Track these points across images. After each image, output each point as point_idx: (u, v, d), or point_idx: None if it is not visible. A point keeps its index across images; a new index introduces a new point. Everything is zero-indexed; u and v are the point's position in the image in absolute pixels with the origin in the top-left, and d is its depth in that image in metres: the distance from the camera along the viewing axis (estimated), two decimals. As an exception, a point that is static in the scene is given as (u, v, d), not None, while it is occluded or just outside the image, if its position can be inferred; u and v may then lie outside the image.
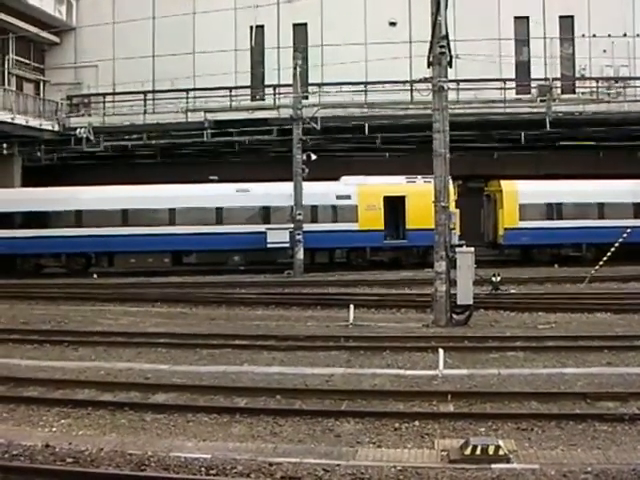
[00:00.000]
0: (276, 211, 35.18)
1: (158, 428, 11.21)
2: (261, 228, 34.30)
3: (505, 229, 35.63)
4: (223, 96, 40.08)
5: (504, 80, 39.70)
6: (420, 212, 33.91)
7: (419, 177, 35.06)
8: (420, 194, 34.20)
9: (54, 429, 11.16)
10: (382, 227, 35.32)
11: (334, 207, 35.09)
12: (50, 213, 34.91)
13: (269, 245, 34.31)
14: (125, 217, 34.74)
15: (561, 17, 41.93)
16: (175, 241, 34.31)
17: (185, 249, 35.48)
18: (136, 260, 35.26)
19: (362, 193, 35.40)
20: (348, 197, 35.31)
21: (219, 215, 34.93)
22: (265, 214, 35.24)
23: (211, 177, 36.69)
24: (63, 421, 11.56)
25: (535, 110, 37.68)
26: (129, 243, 34.07)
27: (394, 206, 35.29)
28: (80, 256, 35.48)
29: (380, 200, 35.26)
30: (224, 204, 34.92)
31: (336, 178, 35.74)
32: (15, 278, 32.41)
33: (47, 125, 39.92)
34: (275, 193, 34.92)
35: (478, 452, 9.23)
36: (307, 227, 33.63)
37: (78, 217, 34.85)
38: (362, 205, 35.35)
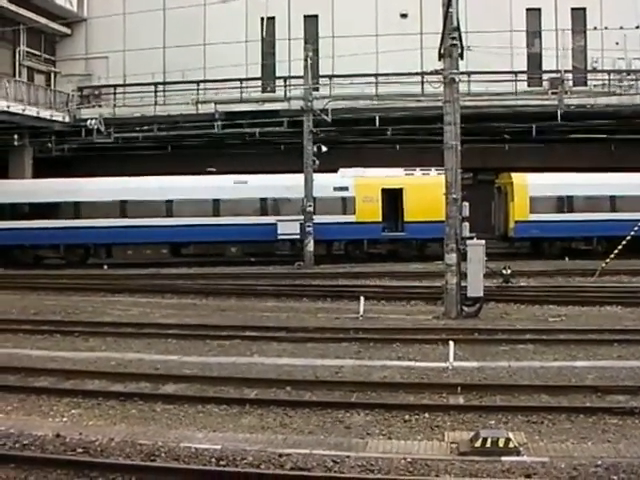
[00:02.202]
0: (276, 203, 35.21)
1: (168, 418, 11.24)
2: (260, 220, 34.32)
3: (516, 222, 35.52)
4: (234, 88, 40.10)
5: (515, 72, 39.58)
6: (418, 204, 34.06)
7: (417, 169, 35.10)
8: (418, 186, 34.34)
9: (65, 419, 11.19)
10: (380, 219, 35.26)
11: (331, 199, 34.86)
12: (48, 204, 34.96)
13: (279, 237, 34.41)
14: (123, 209, 34.85)
15: (573, 9, 41.74)
16: (173, 233, 34.38)
17: (183, 241, 35.52)
18: (134, 252, 35.28)
19: (360, 185, 35.33)
20: (346, 189, 35.25)
21: (216, 207, 34.98)
22: (263, 206, 35.19)
23: (209, 169, 36.75)
24: (73, 411, 11.60)
25: (546, 102, 37.56)
26: (127, 234, 34.17)
27: (392, 198, 35.25)
28: (78, 247, 35.59)
29: (378, 192, 35.18)
30: (222, 196, 34.95)
31: (347, 170, 35.77)
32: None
33: (58, 116, 40.02)
34: (275, 185, 34.91)
35: (488, 444, 9.20)
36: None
37: (76, 208, 35.02)
38: (359, 197, 35.26)
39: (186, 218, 34.38)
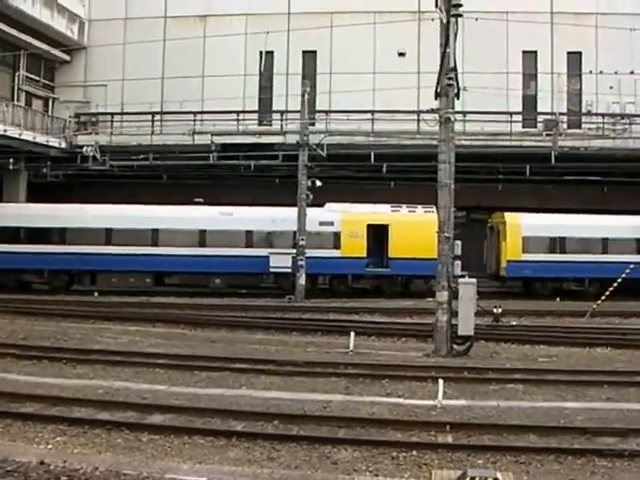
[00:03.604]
0: (262, 235, 35.32)
1: (154, 449, 11.14)
2: (249, 252, 34.43)
3: (508, 261, 35.60)
4: (230, 120, 40.29)
5: (511, 113, 39.89)
6: (403, 241, 34.33)
7: (404, 206, 35.35)
8: (404, 223, 34.64)
9: (49, 446, 11.10)
10: (364, 255, 35.30)
11: (317, 233, 34.85)
12: (34, 229, 35.00)
13: (271, 269, 34.49)
14: (108, 236, 34.85)
15: (569, 53, 42.24)
16: (157, 262, 34.34)
17: (168, 270, 35.46)
18: (118, 279, 35.21)
19: (345, 220, 35.46)
20: (331, 224, 35.37)
21: (202, 237, 35.03)
22: (249, 238, 35.22)
23: (196, 200, 36.83)
24: (59, 438, 11.51)
25: (541, 144, 37.85)
26: (111, 262, 34.13)
27: (377, 234, 35.33)
28: (63, 273, 35.51)
29: (363, 228, 35.29)
30: (208, 227, 35.01)
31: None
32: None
33: (54, 142, 40.12)
34: (262, 217, 35.05)
35: (476, 484, 9.15)
36: (288, 252, 33.86)
37: (61, 234, 35.02)
38: (345, 232, 35.37)
39: (171, 247, 34.40)
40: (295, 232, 34.05)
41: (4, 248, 34.31)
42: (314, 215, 34.25)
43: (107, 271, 35.07)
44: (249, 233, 35.26)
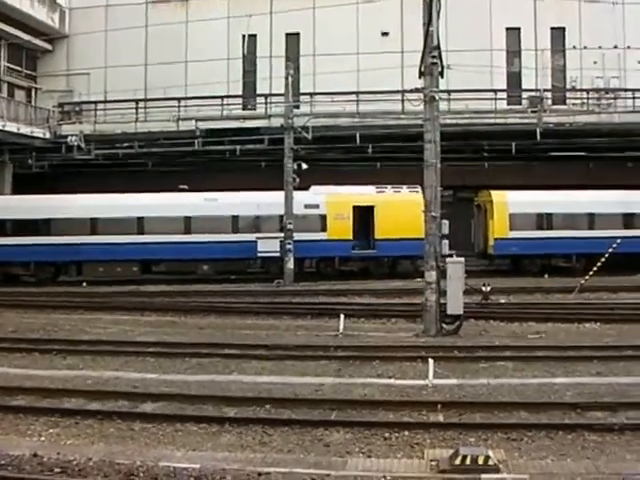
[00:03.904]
0: (248, 220, 35.23)
1: (147, 437, 11.16)
2: (235, 237, 34.35)
3: (495, 239, 35.68)
4: (215, 105, 40.10)
5: (495, 91, 39.81)
6: (389, 222, 34.33)
7: (389, 187, 35.32)
8: (389, 204, 34.64)
9: (42, 438, 11.10)
10: (351, 237, 35.27)
11: (303, 216, 34.59)
12: (19, 221, 34.76)
13: (259, 254, 34.49)
14: (94, 226, 34.71)
15: (552, 29, 42.13)
16: (144, 250, 34.24)
17: (154, 258, 35.38)
18: (104, 269, 35.12)
19: (331, 203, 35.40)
20: (317, 206, 35.26)
21: (187, 224, 34.95)
22: (235, 223, 35.09)
23: (181, 187, 36.71)
24: (51, 430, 11.51)
25: (526, 121, 37.79)
26: (97, 252, 34.00)
27: (363, 216, 35.27)
28: (49, 265, 35.34)
29: (349, 210, 35.23)
30: (193, 213, 34.92)
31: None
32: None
33: (38, 133, 39.82)
34: (246, 202, 34.94)
35: (468, 462, 9.23)
36: (275, 236, 33.85)
37: (46, 225, 34.74)
38: (331, 214, 35.30)
39: (157, 235, 34.32)
40: (281, 216, 34.01)
41: None
42: (299, 198, 34.16)
43: (93, 261, 34.84)
44: (235, 218, 35.13)
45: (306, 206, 34.81)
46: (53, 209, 34.68)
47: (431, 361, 14.50)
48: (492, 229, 35.89)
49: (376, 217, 35.23)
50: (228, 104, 40.56)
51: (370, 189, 35.62)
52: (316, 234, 34.83)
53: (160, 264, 36.08)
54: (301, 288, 31.17)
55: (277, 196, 33.62)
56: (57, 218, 34.62)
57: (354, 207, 35.29)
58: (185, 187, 36.81)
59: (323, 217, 35.33)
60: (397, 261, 35.34)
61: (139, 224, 34.78)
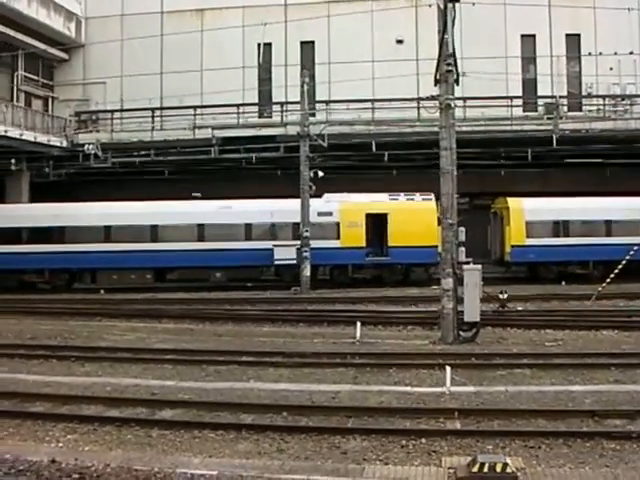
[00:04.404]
0: (262, 228, 35.31)
1: (164, 444, 11.19)
2: (250, 245, 34.44)
3: (512, 246, 35.57)
4: (231, 113, 40.26)
5: (511, 98, 39.75)
6: (402, 229, 34.27)
7: (402, 194, 35.29)
8: (402, 211, 34.60)
9: (60, 445, 11.15)
10: (364, 244, 35.24)
11: (316, 224, 34.46)
12: (33, 229, 35.03)
13: (276, 262, 34.52)
14: (108, 233, 34.89)
15: (567, 35, 42.07)
16: (157, 258, 34.37)
17: (168, 266, 35.48)
18: (119, 277, 35.23)
19: (344, 210, 35.41)
20: (330, 214, 35.27)
21: (201, 232, 35.04)
22: (248, 231, 35.17)
23: (194, 194, 36.83)
24: (69, 437, 11.55)
25: (542, 127, 37.71)
26: (111, 259, 34.15)
27: (376, 223, 35.27)
28: (63, 272, 35.53)
29: (362, 217, 35.22)
30: (207, 221, 35.05)
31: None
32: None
33: (55, 141, 40.12)
34: (260, 210, 35.05)
35: (486, 469, 9.18)
36: (291, 244, 33.88)
37: (61, 233, 34.99)
38: (344, 222, 35.31)
39: (171, 243, 34.43)
40: (295, 224, 34.07)
41: (5, 249, 34.29)
42: (313, 206, 34.22)
43: (107, 268, 35.07)
44: (248, 226, 35.22)
45: (319, 214, 34.83)
46: (67, 217, 34.91)
47: (448, 368, 14.45)
48: (509, 236, 35.79)
49: (389, 225, 35.18)
50: (244, 112, 40.72)
51: (383, 196, 35.62)
52: (329, 242, 34.84)
53: (174, 271, 36.20)
54: (317, 296, 31.19)
55: (291, 204, 33.69)
56: (71, 226, 34.84)
57: (367, 215, 35.29)
58: (198, 195, 36.92)
59: (336, 225, 35.34)
60: (410, 268, 35.28)
61: (153, 232, 34.92)
